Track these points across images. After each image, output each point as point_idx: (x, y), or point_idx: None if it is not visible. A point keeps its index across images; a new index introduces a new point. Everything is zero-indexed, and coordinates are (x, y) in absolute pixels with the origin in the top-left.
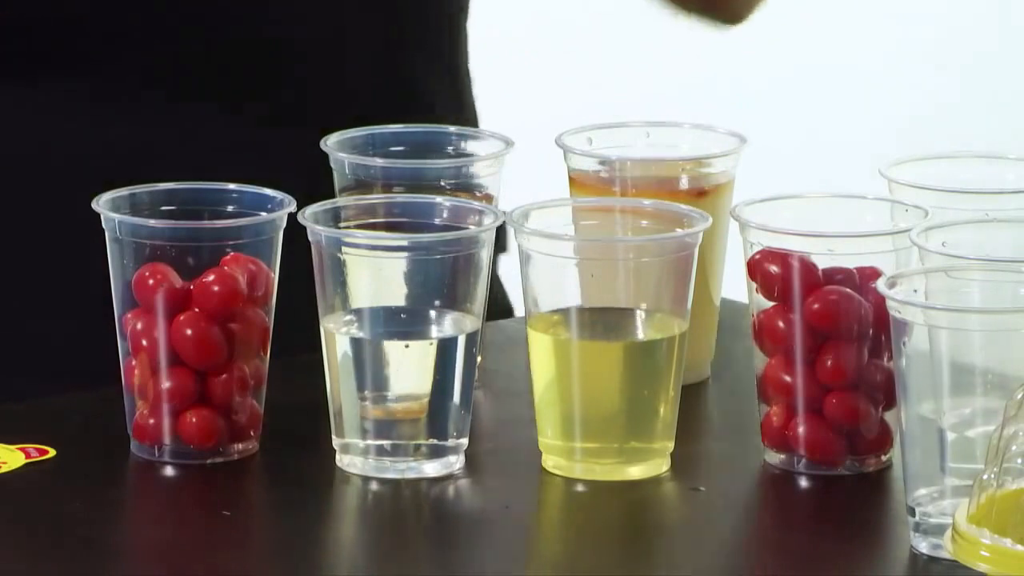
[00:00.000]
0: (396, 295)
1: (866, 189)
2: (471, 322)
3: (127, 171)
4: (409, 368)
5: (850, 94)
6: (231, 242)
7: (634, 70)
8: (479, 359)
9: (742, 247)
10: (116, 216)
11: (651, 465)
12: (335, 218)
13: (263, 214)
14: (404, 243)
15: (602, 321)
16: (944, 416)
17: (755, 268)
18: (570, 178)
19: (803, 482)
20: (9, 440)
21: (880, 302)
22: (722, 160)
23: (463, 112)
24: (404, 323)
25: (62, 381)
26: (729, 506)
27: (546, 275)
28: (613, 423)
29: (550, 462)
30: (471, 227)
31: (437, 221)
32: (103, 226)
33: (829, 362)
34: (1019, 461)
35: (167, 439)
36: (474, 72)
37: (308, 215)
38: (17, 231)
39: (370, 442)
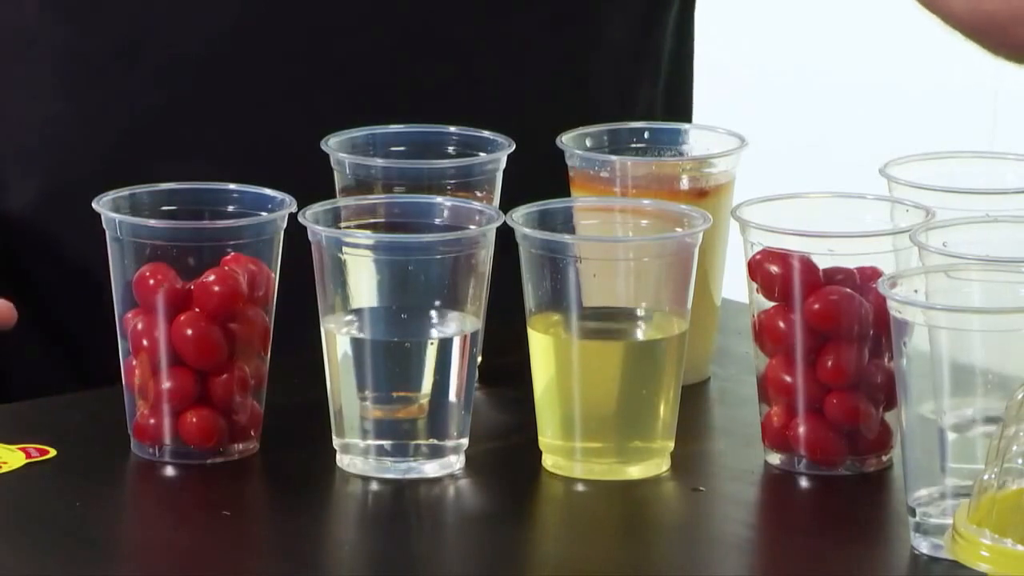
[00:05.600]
0: (396, 295)
1: (866, 189)
2: (471, 322)
3: (128, 170)
4: (409, 368)
5: (850, 94)
6: (232, 242)
7: None
8: (479, 359)
9: (742, 247)
10: (116, 216)
11: (651, 465)
12: (335, 218)
13: (263, 214)
14: (404, 243)
15: (602, 321)
16: (944, 416)
17: (756, 268)
18: (570, 178)
19: (803, 482)
20: (9, 440)
21: (880, 302)
22: (722, 160)
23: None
24: (404, 323)
25: (62, 381)
26: (729, 506)
27: (546, 275)
28: (613, 423)
29: (550, 462)
30: (471, 227)
31: (437, 221)
32: (103, 226)
33: (829, 362)
34: (1020, 461)
35: (167, 439)
36: None
37: (308, 215)
38: (18, 231)
39: (370, 442)
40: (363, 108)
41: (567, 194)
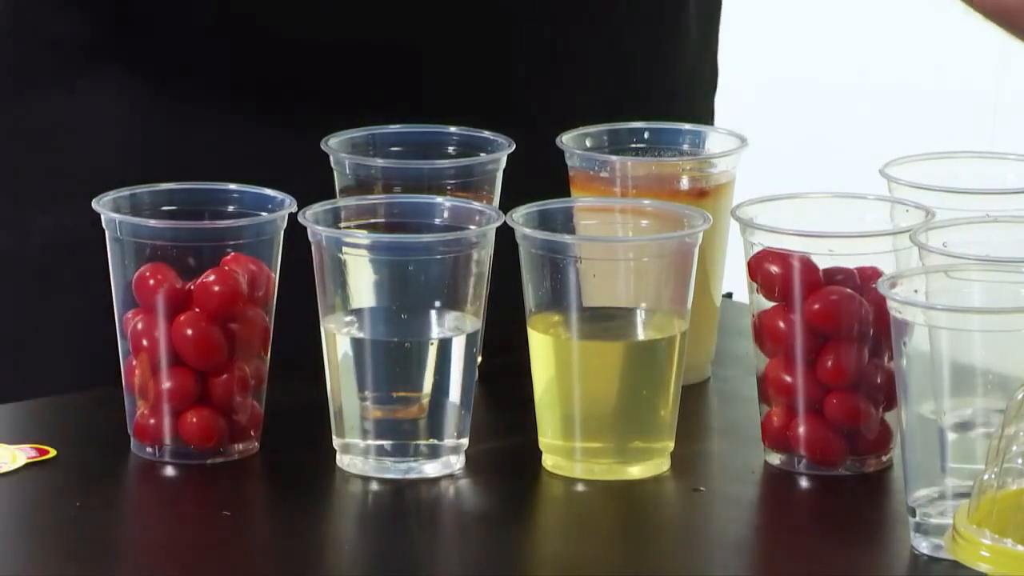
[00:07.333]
0: (396, 295)
1: (866, 189)
2: (471, 322)
3: (128, 170)
4: (409, 368)
5: (850, 94)
6: (232, 242)
7: None
8: (479, 359)
9: (743, 247)
10: (117, 216)
11: (651, 465)
12: (335, 218)
13: (264, 214)
14: (404, 243)
15: (602, 321)
16: (944, 416)
17: (756, 268)
18: (570, 178)
19: (803, 482)
20: (9, 440)
21: (880, 302)
22: (722, 160)
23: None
24: (404, 323)
25: (62, 381)
26: (729, 506)
27: (546, 275)
28: (613, 423)
29: (550, 462)
30: (471, 227)
31: (437, 221)
32: (104, 226)
33: (829, 362)
34: (1020, 461)
35: (168, 439)
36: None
37: (308, 215)
38: (18, 231)
39: (370, 442)
40: (357, 109)
41: (567, 194)
